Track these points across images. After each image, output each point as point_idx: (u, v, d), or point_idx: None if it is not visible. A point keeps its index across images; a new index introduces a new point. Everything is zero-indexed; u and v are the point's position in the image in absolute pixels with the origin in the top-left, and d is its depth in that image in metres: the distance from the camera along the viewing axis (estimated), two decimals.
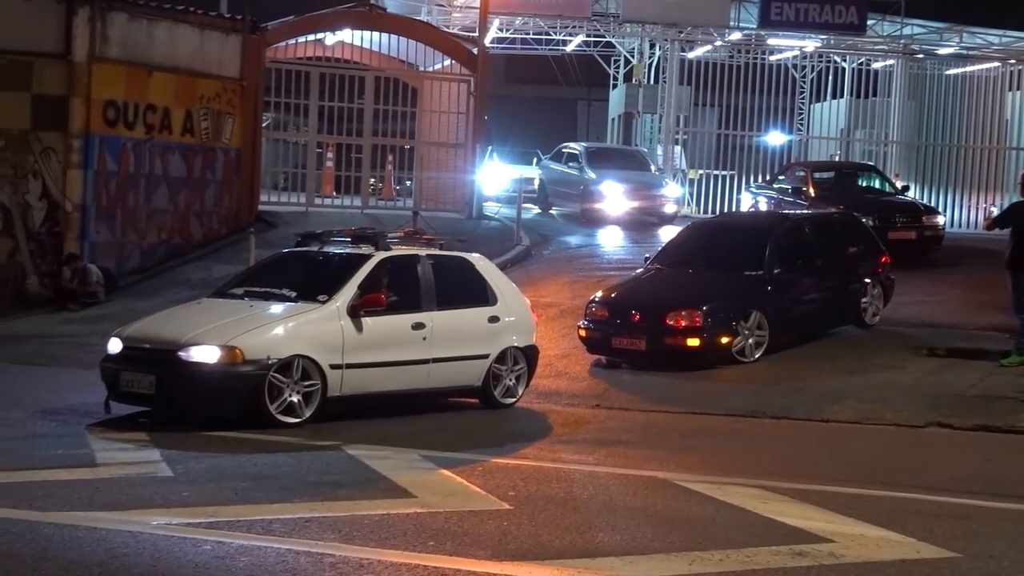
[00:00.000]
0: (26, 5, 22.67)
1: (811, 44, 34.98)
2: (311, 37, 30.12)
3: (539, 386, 15.06)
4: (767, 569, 7.47)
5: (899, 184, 27.35)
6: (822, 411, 13.68)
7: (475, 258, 14.62)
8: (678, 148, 33.49)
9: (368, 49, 32.07)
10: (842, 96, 37.82)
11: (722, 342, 15.85)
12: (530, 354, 14.41)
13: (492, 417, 13.63)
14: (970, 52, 34.85)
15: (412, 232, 15.21)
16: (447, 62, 31.11)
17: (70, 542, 7.67)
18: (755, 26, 33.06)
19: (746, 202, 28.63)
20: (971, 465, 11.16)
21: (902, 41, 35.02)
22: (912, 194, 27.17)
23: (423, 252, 13.94)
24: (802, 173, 26.09)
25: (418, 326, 13.27)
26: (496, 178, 32.93)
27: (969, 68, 34.81)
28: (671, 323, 15.80)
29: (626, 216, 28.46)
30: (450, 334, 13.55)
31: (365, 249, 13.59)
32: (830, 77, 37.53)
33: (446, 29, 32.59)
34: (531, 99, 51.33)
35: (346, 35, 31.00)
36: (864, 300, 17.88)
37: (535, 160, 37.30)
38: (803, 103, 38.22)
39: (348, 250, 13.74)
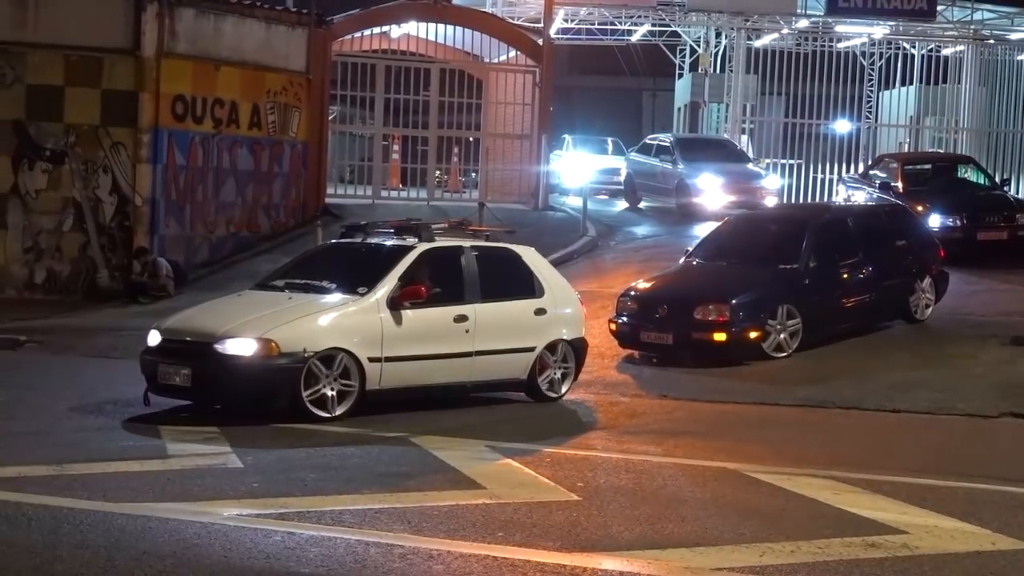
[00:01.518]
0: (95, 2, 22.91)
1: (879, 30, 34.62)
2: (376, 30, 30.22)
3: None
4: (839, 560, 7.39)
5: (999, 178, 26.61)
6: (893, 401, 13.53)
7: (522, 249, 14.34)
8: (745, 137, 33.22)
9: (433, 41, 32.10)
10: (911, 83, 37.39)
11: (750, 337, 15.63)
12: (578, 347, 14.16)
13: (554, 409, 13.59)
14: None
15: (458, 223, 15.00)
16: (512, 53, 31.10)
17: (142, 532, 7.73)
18: (822, 13, 32.76)
19: (841, 195, 27.72)
20: None
21: (972, 26, 34.55)
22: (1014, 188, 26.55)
23: (467, 243, 13.73)
24: (894, 165, 24.97)
25: (461, 318, 13.05)
26: (577, 169, 32.65)
27: None
28: (699, 317, 15.61)
29: (724, 211, 27.82)
30: (494, 326, 13.34)
31: (408, 241, 13.41)
32: (899, 64, 37.13)
33: (511, 20, 32.57)
34: (596, 90, 51.22)
35: (411, 28, 31.06)
36: (913, 295, 17.56)
37: (609, 149, 37.24)
38: (871, 91, 37.84)
39: (391, 241, 13.55)
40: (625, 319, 16.27)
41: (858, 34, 34.80)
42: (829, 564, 7.33)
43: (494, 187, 30.71)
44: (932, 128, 35.89)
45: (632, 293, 16.53)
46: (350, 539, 7.62)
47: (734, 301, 15.66)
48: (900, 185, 23.40)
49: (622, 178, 32.13)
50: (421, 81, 29.56)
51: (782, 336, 15.85)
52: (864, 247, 17.28)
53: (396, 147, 32.90)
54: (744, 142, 33.31)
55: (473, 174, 33.82)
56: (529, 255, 14.28)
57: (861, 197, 24.91)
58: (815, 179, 33.12)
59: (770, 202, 27.24)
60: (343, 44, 28.79)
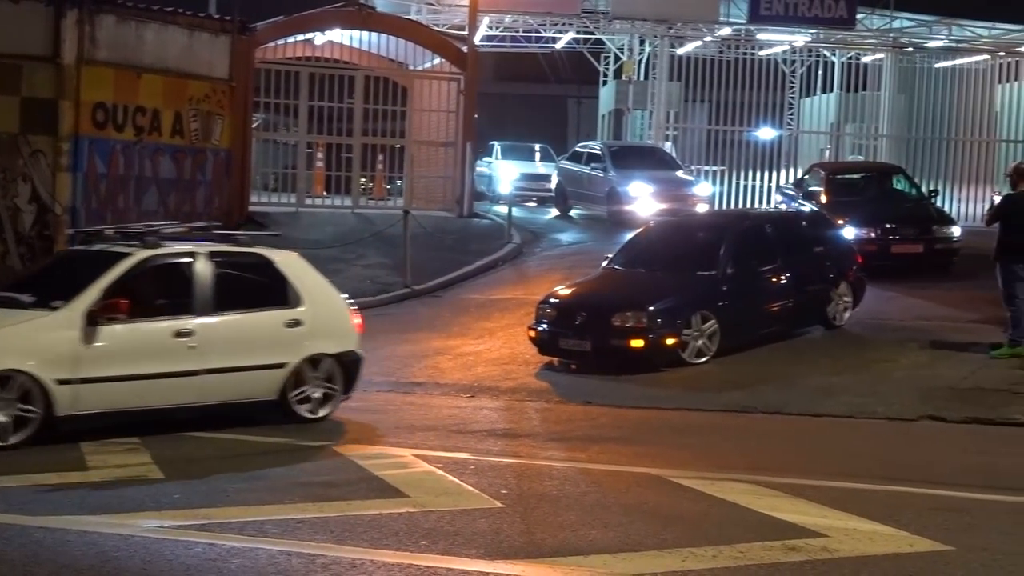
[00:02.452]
0: (14, 8, 22.57)
1: (800, 38, 35.00)
2: (300, 37, 30.09)
3: (492, 386, 15.06)
4: (760, 564, 7.45)
5: (928, 188, 26.46)
6: (816, 406, 13.65)
7: (277, 254, 12.96)
8: (668, 144, 33.44)
9: (357, 48, 32.06)
10: (832, 90, 37.84)
11: (667, 343, 15.61)
12: (349, 362, 12.91)
13: (478, 414, 13.59)
14: (959, 45, 34.84)
15: (202, 227, 13.79)
16: (437, 61, 31.11)
17: (61, 546, 7.63)
18: (745, 21, 33.04)
19: (777, 203, 27.60)
20: (964, 458, 11.15)
21: (891, 35, 35.04)
22: (946, 200, 26.49)
23: (204, 250, 12.32)
24: (821, 175, 24.76)
25: (183, 333, 11.79)
26: (506, 176, 32.74)
27: (958, 61, 34.80)
28: (616, 324, 15.59)
29: (656, 218, 27.79)
30: (230, 341, 12.12)
31: (129, 248, 12.15)
32: (820, 71, 37.58)
33: (435, 27, 32.54)
34: (522, 97, 51.34)
35: (335, 35, 30.98)
36: (830, 301, 17.69)
37: (537, 156, 37.32)
38: (793, 98, 38.23)
39: (110, 248, 12.27)
40: (544, 326, 16.25)
41: (780, 42, 35.15)
42: (750, 568, 7.38)
43: (419, 194, 30.68)
44: (852, 135, 36.31)
45: (551, 300, 16.49)
46: (272, 549, 7.57)
47: (651, 308, 15.67)
48: (824, 196, 23.28)
49: (552, 185, 32.21)
50: (345, 88, 29.46)
51: (700, 342, 15.88)
52: (782, 254, 17.37)
53: (320, 155, 32.76)
54: (668, 149, 33.56)
55: (398, 181, 33.76)
56: (285, 260, 12.94)
57: (786, 207, 24.90)
58: (739, 186, 33.38)
59: (701, 209, 27.22)
60: (267, 51, 28.64)
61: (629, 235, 19.41)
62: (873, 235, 21.36)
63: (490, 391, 14.92)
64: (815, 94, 37.99)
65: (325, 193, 32.01)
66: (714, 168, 33.39)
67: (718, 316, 16.04)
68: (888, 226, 21.77)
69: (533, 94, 50.88)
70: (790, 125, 37.01)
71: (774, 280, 17.12)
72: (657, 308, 15.70)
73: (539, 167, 36.05)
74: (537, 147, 38.30)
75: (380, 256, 24.28)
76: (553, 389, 14.98)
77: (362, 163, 30.77)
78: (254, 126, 28.97)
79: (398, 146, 31.83)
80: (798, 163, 33.95)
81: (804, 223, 19.06)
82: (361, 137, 30.06)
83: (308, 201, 29.98)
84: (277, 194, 30.46)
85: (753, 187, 33.33)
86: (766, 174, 33.46)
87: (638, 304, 15.75)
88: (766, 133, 34.36)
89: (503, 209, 27.12)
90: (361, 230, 26.26)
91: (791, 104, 37.95)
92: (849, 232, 20.43)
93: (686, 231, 18.52)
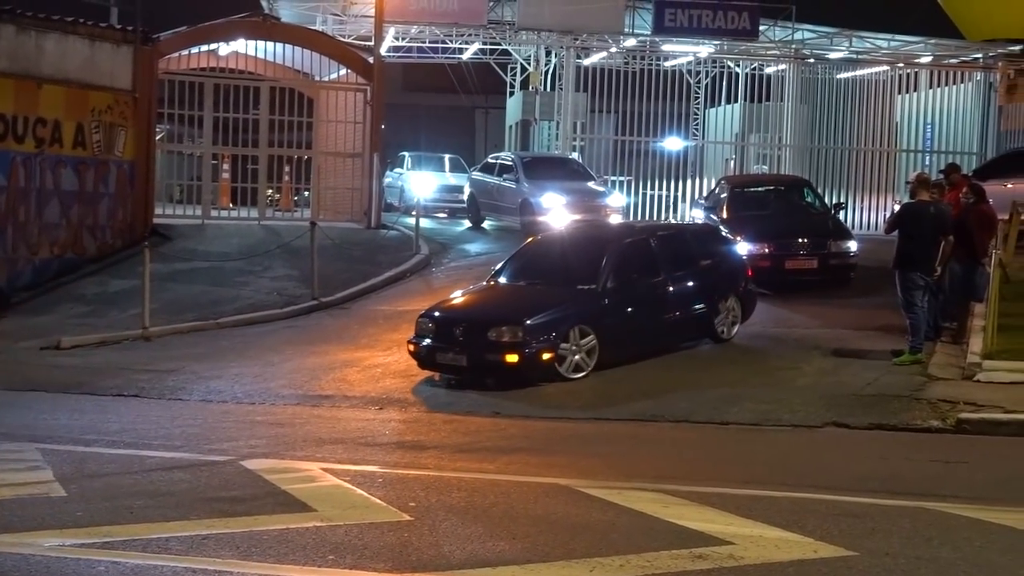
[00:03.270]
0: None
1: (705, 50, 35.35)
2: (205, 48, 29.84)
3: (400, 398, 15.04)
4: (667, 573, 7.48)
5: (833, 200, 26.44)
6: (722, 414, 13.77)
7: None
8: (575, 154, 33.55)
9: (263, 59, 31.85)
10: (736, 101, 38.23)
11: (543, 358, 15.53)
12: None
13: (386, 426, 13.54)
14: (859, 56, 35.44)
15: None
16: (343, 71, 31.00)
17: None
18: (649, 32, 33.31)
19: (694, 217, 27.26)
20: (867, 464, 11.29)
21: (793, 46, 35.51)
22: (848, 210, 26.42)
23: None
24: (726, 188, 24.70)
25: None
26: (417, 187, 32.61)
27: (859, 72, 35.34)
28: (492, 338, 15.51)
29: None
30: None
31: None
32: (724, 82, 37.96)
33: (341, 38, 32.43)
34: (429, 107, 51.34)
35: (240, 45, 30.75)
36: (718, 315, 17.75)
37: (447, 166, 37.27)
38: (698, 108, 38.60)
39: None
40: (423, 340, 16.13)
41: (684, 53, 35.47)
42: None
43: (326, 206, 30.54)
44: (756, 144, 36.70)
45: (430, 314, 16.37)
46: (177, 567, 7.48)
47: (528, 322, 15.57)
48: (725, 210, 23.21)
49: (464, 196, 32.09)
50: (251, 99, 29.26)
51: (578, 357, 15.80)
52: (668, 267, 17.37)
53: (226, 166, 32.49)
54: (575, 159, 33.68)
55: (305, 193, 33.58)
56: None
57: (701, 218, 24.75)
58: (647, 196, 33.57)
59: (615, 220, 27.23)
60: (170, 62, 28.36)
61: (514, 249, 19.34)
62: (767, 250, 21.25)
63: (398, 403, 14.88)
64: (720, 104, 38.35)
65: (231, 205, 31.75)
66: (622, 178, 33.56)
67: (597, 330, 15.99)
68: (781, 241, 21.59)
69: (441, 105, 50.88)
70: (696, 135, 37.32)
71: (658, 294, 17.10)
72: (534, 323, 15.61)
73: (450, 178, 36.02)
74: (447, 157, 38.26)
75: (287, 268, 24.13)
76: (461, 401, 14.96)
77: (269, 174, 30.58)
78: (158, 137, 28.68)
79: (305, 157, 31.65)
80: (704, 173, 34.26)
81: (692, 237, 18.99)
82: (267, 148, 29.88)
83: (214, 213, 29.72)
84: (182, 206, 30.17)
85: (661, 197, 33.55)
86: (673, 184, 33.70)
87: (514, 318, 15.66)
88: (673, 143, 34.60)
89: (412, 220, 27.06)
90: (268, 242, 26.08)
91: (696, 114, 38.30)
92: (743, 248, 20.52)
93: (570, 245, 18.27)
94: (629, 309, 16.69)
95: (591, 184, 29.12)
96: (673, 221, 30.71)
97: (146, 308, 19.50)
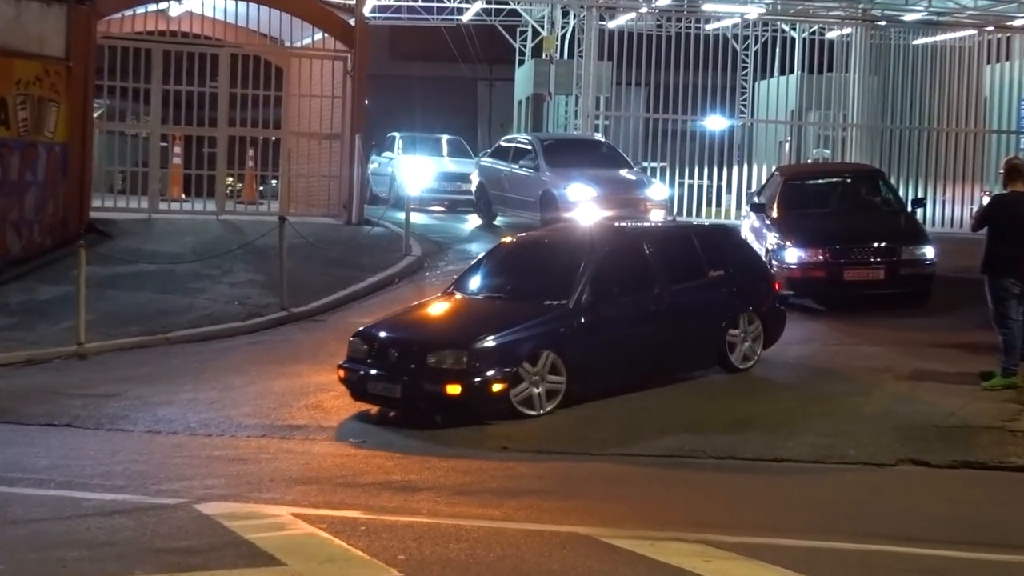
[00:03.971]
0: None
1: (753, 10, 35.37)
2: (152, 7, 29.97)
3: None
4: None
5: (912, 195, 25.72)
6: (775, 449, 13.75)
7: None
8: (598, 135, 33.58)
9: (222, 21, 31.94)
10: (792, 72, 38.22)
11: (492, 390, 15.11)
12: None
13: (370, 463, 13.52)
14: (940, 18, 35.33)
15: None
16: (318, 36, 31.06)
17: None
18: None
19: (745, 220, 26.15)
20: (950, 509, 11.28)
21: (861, 6, 35.45)
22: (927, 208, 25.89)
23: None
24: (777, 181, 24.13)
25: None
26: (412, 176, 32.50)
27: (940, 37, 35.34)
28: (432, 363, 15.16)
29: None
30: None
31: None
32: (777, 49, 37.95)
33: None
34: (423, 79, 51.40)
35: (194, 4, 30.83)
36: (731, 337, 17.31)
37: (445, 150, 37.27)
38: (746, 80, 38.61)
39: None
40: (354, 365, 15.85)
41: (729, 13, 35.49)
42: None
43: (298, 197, 30.59)
44: (816, 124, 36.71)
45: (369, 332, 16.14)
46: None
47: (476, 345, 15.24)
48: (775, 208, 22.72)
49: (472, 187, 32.06)
50: (207, 69, 29.31)
51: (539, 389, 15.37)
52: (665, 278, 16.96)
53: (178, 149, 32.58)
54: None
55: (273, 182, 33.63)
56: None
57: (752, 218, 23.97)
58: (684, 186, 33.51)
59: (656, 216, 26.99)
60: (111, 25, 28.44)
61: (481, 253, 19.14)
62: (821, 258, 20.91)
63: (384, 435, 14.86)
64: (772, 76, 38.33)
65: (184, 196, 31.83)
66: (653, 164, 33.56)
67: (567, 356, 15.58)
68: (840, 246, 21.15)
69: (437, 76, 50.95)
70: (743, 113, 37.35)
71: (651, 311, 16.66)
72: (483, 345, 15.27)
73: (449, 164, 35.98)
74: (445, 139, 38.26)
75: (251, 272, 24.15)
76: (464, 433, 14.93)
77: (229, 160, 30.62)
78: (96, 115, 28.74)
79: (273, 139, 31.71)
80: (753, 159, 34.28)
81: (700, 240, 18.31)
82: (227, 128, 29.93)
83: (163, 206, 29.79)
84: (125, 197, 30.21)
85: (700, 188, 33.55)
86: (716, 172, 33.69)
87: (459, 340, 15.38)
88: (715, 123, 34.62)
89: (402, 215, 27.06)
90: (228, 241, 26.11)
91: (744, 88, 38.34)
92: (791, 255, 20.28)
93: (543, 251, 17.96)
94: (611, 330, 16.16)
95: (627, 172, 28.99)
96: (706, 221, 30.63)
97: (81, 320, 19.50)
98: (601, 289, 16.27)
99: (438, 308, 17.00)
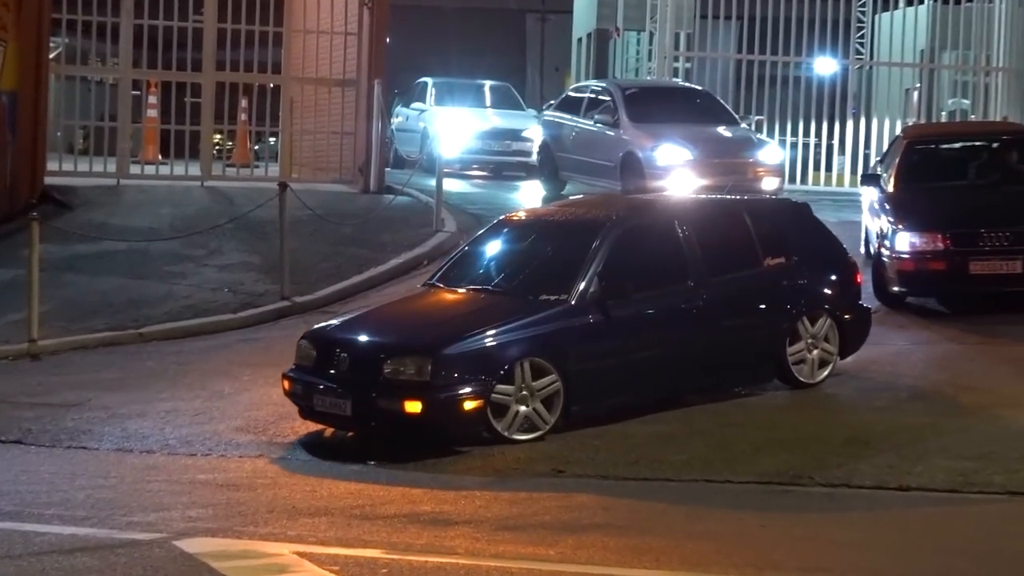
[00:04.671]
0: None
1: None
2: None
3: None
4: None
5: None
6: (900, 475, 13.71)
7: None
8: (678, 80, 33.52)
9: None
10: (922, 1, 38.05)
11: (464, 408, 14.85)
12: None
13: (392, 490, 13.52)
14: None
15: None
16: None
17: None
18: None
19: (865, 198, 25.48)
20: None
21: None
22: None
23: None
24: (899, 146, 23.56)
25: None
26: (451, 132, 32.37)
27: None
28: (388, 374, 14.96)
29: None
30: None
31: None
32: None
33: None
34: (460, 12, 51.48)
35: None
36: (796, 345, 16.96)
37: (488, 100, 37.20)
38: (864, 12, 38.43)
39: None
40: (301, 375, 15.66)
41: None
42: None
43: (303, 159, 30.70)
44: (952, 68, 36.50)
45: (320, 333, 16.04)
46: None
47: (444, 351, 15.00)
48: (892, 181, 22.34)
49: (535, 147, 31.97)
50: (190, 0, 29.41)
51: (527, 407, 15.14)
52: (702, 269, 16.61)
53: (153, 99, 32.69)
54: None
55: (271, 140, 33.72)
56: None
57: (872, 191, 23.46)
58: (784, 144, 33.33)
59: (769, 185, 26.94)
60: None
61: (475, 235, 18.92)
62: (940, 245, 20.29)
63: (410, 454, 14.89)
64: (897, 7, 38.17)
65: (161, 157, 31.94)
66: (747, 119, 33.45)
67: (564, 366, 15.32)
68: (964, 231, 20.57)
69: (476, 7, 51.04)
70: (860, 54, 37.20)
71: (684, 310, 16.40)
72: (452, 352, 15.06)
73: (493, 117, 35.90)
74: (489, 86, 38.19)
75: (244, 252, 24.24)
76: (507, 452, 14.92)
77: (217, 112, 30.69)
78: (52, 56, 28.86)
79: (271, 86, 31.77)
80: (873, 111, 34.16)
81: (754, 220, 17.69)
82: (215, 73, 30.02)
83: (135, 169, 29.92)
84: (88, 159, 30.34)
85: (805, 147, 33.44)
86: (826, 128, 33.58)
87: (423, 345, 15.16)
88: (825, 66, 34.50)
89: (455, 185, 27.01)
90: (216, 213, 26.22)
91: (862, 22, 38.16)
92: (902, 241, 19.97)
93: (554, 230, 17.51)
94: (624, 334, 15.93)
95: (731, 130, 28.83)
96: (814, 189, 30.46)
97: (34, 311, 19.60)
98: (614, 281, 15.87)
99: (410, 304, 16.94)
